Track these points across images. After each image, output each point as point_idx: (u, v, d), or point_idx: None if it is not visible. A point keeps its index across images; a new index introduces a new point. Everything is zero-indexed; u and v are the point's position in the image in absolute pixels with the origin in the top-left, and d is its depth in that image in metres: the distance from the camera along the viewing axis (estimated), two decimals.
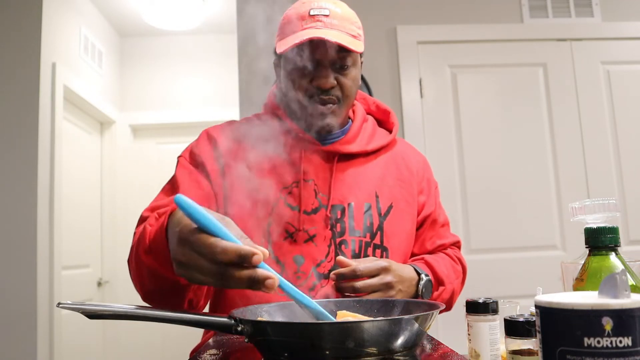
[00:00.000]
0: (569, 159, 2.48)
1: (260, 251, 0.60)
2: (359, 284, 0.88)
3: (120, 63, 3.73)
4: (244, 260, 0.59)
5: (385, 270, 0.91)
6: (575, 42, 2.56)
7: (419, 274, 0.98)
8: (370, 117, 1.18)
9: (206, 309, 1.05)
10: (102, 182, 3.48)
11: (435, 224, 1.15)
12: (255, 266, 0.60)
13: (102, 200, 3.47)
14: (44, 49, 2.56)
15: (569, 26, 2.57)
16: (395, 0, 2.54)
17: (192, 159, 1.06)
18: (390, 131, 1.17)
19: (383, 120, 1.20)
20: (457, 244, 1.18)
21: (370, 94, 2.39)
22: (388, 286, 0.90)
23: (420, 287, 0.97)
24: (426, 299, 0.98)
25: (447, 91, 2.51)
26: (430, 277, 1.00)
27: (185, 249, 0.64)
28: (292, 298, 0.67)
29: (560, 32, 2.56)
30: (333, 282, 0.91)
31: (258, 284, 0.60)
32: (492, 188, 2.44)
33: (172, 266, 0.69)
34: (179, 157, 1.08)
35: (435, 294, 1.03)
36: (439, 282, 1.04)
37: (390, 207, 1.06)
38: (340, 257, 0.92)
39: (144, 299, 0.91)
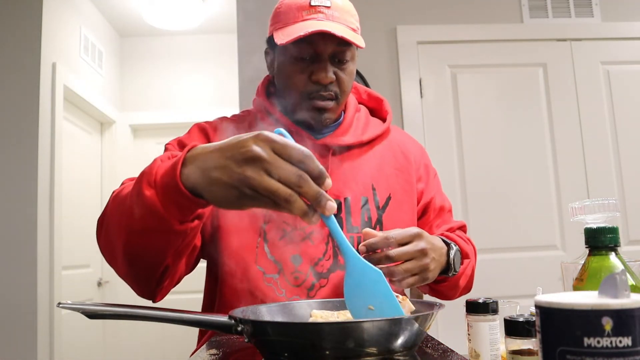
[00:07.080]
0: (569, 159, 2.47)
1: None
2: (393, 252, 0.82)
3: (120, 63, 3.73)
4: (320, 177, 0.61)
5: (418, 236, 0.85)
6: (575, 42, 2.56)
7: (447, 245, 0.94)
8: (362, 107, 1.15)
9: (199, 308, 1.05)
10: (102, 182, 3.48)
11: (442, 211, 1.13)
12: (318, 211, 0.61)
13: (102, 200, 3.46)
14: (44, 49, 2.56)
15: (568, 26, 2.57)
16: (395, 0, 2.54)
17: (180, 148, 0.99)
18: (384, 120, 1.14)
19: (376, 109, 1.16)
20: (463, 228, 1.16)
21: None
22: (423, 253, 0.84)
23: (452, 256, 0.93)
24: (457, 270, 0.95)
25: (447, 91, 2.51)
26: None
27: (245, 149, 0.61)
28: (333, 237, 0.67)
29: (560, 32, 2.56)
30: (364, 254, 0.82)
31: (322, 203, 0.60)
32: (492, 188, 2.44)
33: (176, 207, 0.67)
34: (166, 144, 1.01)
35: (461, 267, 0.99)
36: (464, 255, 1.01)
37: (389, 198, 1.04)
38: (367, 229, 0.85)
39: (124, 249, 0.77)
